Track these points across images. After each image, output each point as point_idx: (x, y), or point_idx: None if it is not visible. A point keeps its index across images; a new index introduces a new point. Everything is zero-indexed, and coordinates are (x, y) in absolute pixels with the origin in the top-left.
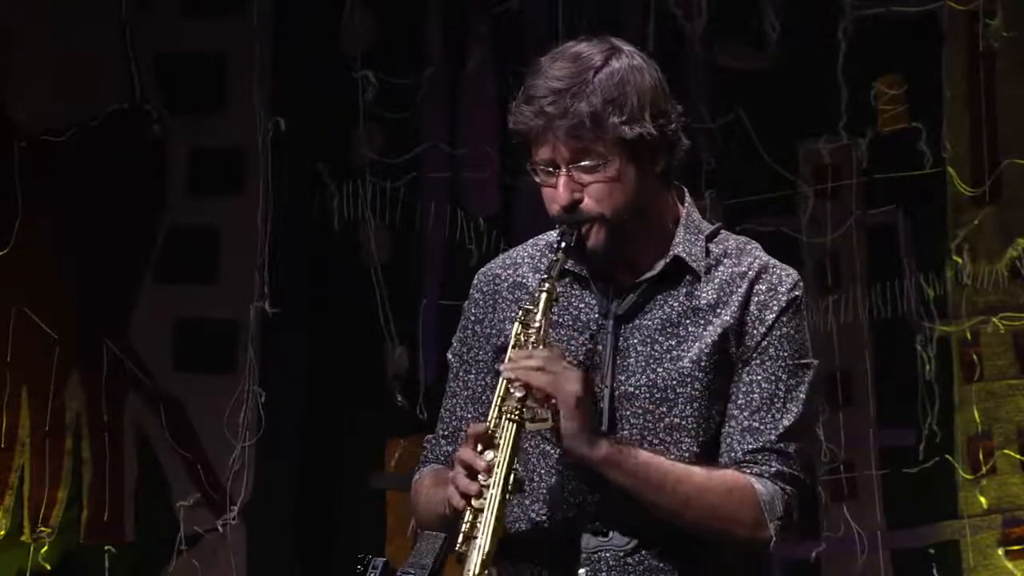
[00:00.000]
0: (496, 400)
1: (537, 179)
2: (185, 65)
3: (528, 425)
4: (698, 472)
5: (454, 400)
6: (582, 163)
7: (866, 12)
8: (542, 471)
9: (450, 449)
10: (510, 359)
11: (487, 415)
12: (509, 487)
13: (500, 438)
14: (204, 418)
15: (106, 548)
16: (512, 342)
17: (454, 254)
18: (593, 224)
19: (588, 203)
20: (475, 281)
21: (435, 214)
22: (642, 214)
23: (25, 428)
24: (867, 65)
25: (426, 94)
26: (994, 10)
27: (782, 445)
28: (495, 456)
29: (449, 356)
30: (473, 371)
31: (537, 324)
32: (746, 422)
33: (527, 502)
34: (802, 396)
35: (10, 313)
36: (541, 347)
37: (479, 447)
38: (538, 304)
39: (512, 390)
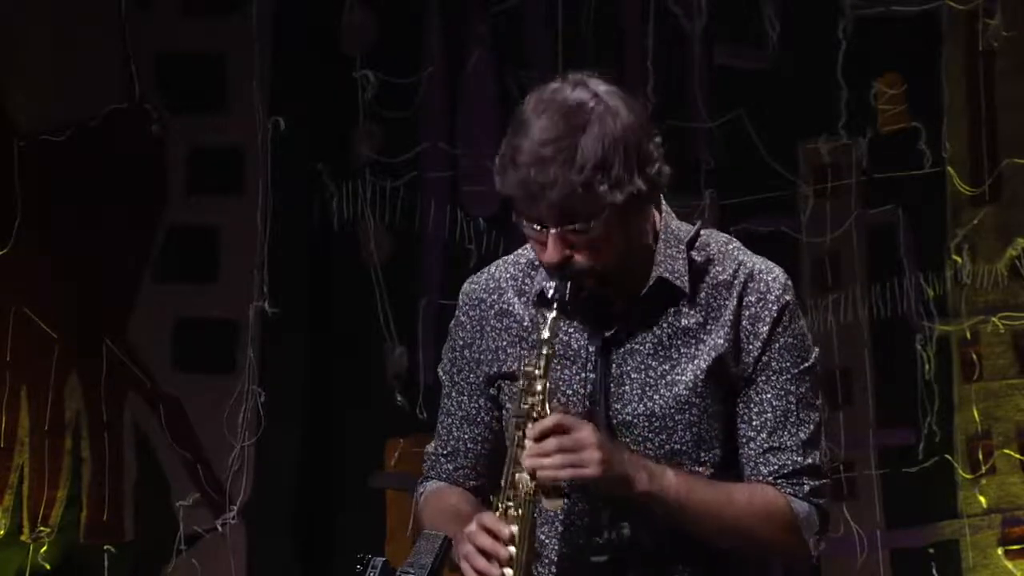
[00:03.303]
0: (506, 474)
1: (525, 231)
2: (185, 65)
3: (544, 502)
4: (738, 496)
5: (450, 419)
6: (571, 226)
7: (866, 12)
8: (549, 519)
9: (450, 467)
10: (526, 440)
11: (483, 435)
12: (529, 560)
13: (516, 511)
14: (204, 418)
15: (105, 548)
16: (515, 409)
17: (454, 254)
18: (585, 277)
19: (579, 259)
20: (460, 301)
21: (435, 214)
22: (630, 254)
23: (24, 428)
24: (867, 65)
25: (426, 94)
26: (994, 10)
27: (809, 461)
28: (512, 532)
29: (440, 373)
30: (465, 394)
31: (540, 389)
32: (766, 444)
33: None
34: (813, 401)
35: (10, 313)
36: (548, 413)
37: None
38: (539, 366)
39: (523, 462)
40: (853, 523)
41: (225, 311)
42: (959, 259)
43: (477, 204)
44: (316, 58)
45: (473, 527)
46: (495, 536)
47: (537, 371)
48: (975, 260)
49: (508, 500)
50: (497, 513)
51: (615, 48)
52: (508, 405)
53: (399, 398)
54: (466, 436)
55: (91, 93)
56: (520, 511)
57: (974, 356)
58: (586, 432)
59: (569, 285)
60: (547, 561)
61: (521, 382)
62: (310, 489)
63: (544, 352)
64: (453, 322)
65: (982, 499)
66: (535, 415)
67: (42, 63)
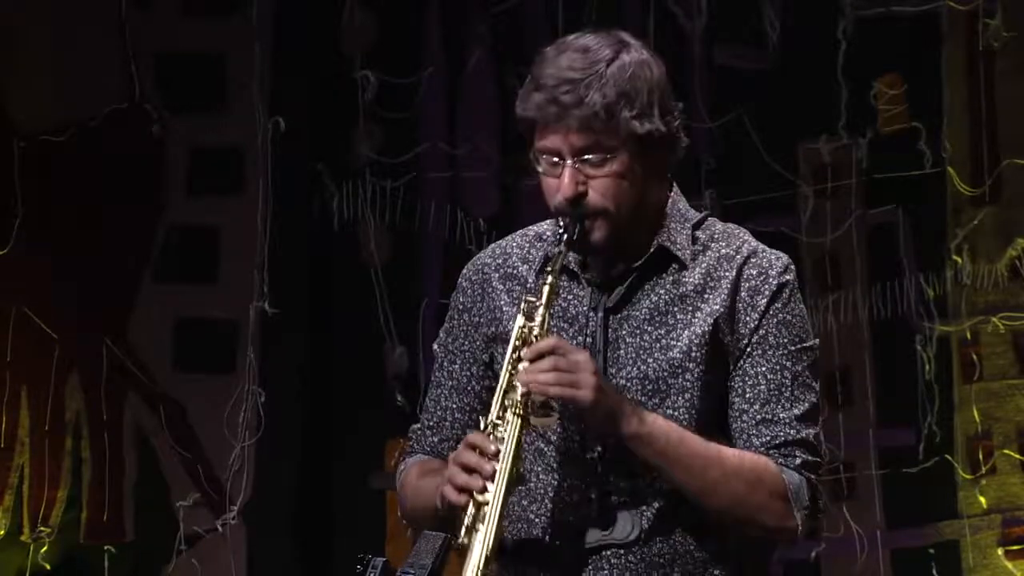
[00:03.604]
0: (498, 393)
1: (539, 168)
2: (185, 65)
3: (532, 420)
4: (729, 457)
5: (439, 390)
6: (589, 156)
7: (866, 12)
8: (539, 470)
9: (435, 440)
10: (521, 363)
11: (471, 405)
12: (512, 481)
13: (504, 432)
14: (204, 418)
15: (106, 548)
16: (515, 334)
17: (454, 254)
18: (596, 218)
19: (593, 196)
20: (464, 271)
21: (435, 214)
22: (641, 209)
23: (25, 428)
24: (867, 65)
25: (426, 94)
26: (994, 10)
27: (802, 436)
28: (497, 449)
29: (435, 347)
30: (458, 361)
31: (540, 317)
32: (758, 415)
33: (525, 502)
34: (809, 381)
35: (10, 313)
36: (546, 340)
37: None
38: (541, 296)
39: (515, 384)
40: (853, 523)
41: (225, 311)
42: (959, 259)
43: (477, 204)
44: (316, 58)
45: (459, 447)
46: (480, 452)
47: (539, 301)
48: (975, 260)
49: (496, 420)
50: (485, 432)
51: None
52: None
53: (399, 398)
54: (454, 406)
55: (91, 93)
56: (508, 429)
57: (974, 356)
58: (583, 356)
59: (578, 226)
60: (536, 497)
61: (522, 305)
62: (310, 489)
63: (548, 281)
64: (454, 292)
65: (982, 499)
66: (532, 341)
67: (42, 63)
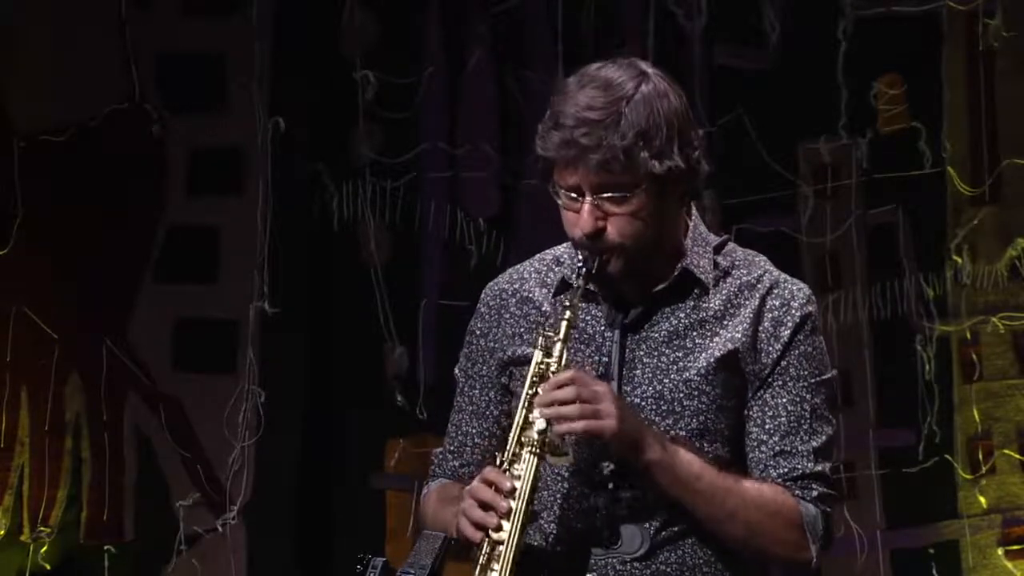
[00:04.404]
0: (515, 430)
1: (559, 201)
2: (185, 65)
3: (549, 458)
4: (747, 488)
5: (460, 415)
6: (608, 194)
7: (866, 12)
8: (548, 479)
9: (456, 464)
10: (538, 398)
11: (491, 430)
12: (527, 519)
13: (520, 469)
14: (204, 418)
15: (106, 548)
16: (532, 370)
17: (454, 254)
18: (614, 252)
19: (611, 232)
20: (481, 296)
21: (435, 214)
22: (660, 240)
23: (24, 428)
24: (867, 65)
25: (426, 94)
26: (994, 10)
27: (820, 468)
28: (513, 486)
29: (456, 372)
30: (477, 386)
31: (558, 353)
32: (777, 447)
33: (535, 508)
34: (827, 414)
35: (10, 313)
36: (564, 373)
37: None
38: (559, 331)
39: (532, 420)
40: (853, 523)
41: (225, 311)
42: (959, 259)
43: (477, 204)
44: (316, 58)
45: (475, 482)
46: (496, 489)
47: (557, 335)
48: (975, 260)
49: (513, 457)
50: (501, 468)
51: (615, 48)
52: (519, 391)
53: (399, 398)
54: (474, 431)
55: (91, 93)
56: (524, 467)
57: (974, 356)
58: (602, 387)
59: (597, 260)
60: (546, 506)
61: (540, 341)
62: (310, 489)
63: (566, 316)
64: (472, 317)
65: (982, 499)
66: (550, 377)
67: (42, 63)
